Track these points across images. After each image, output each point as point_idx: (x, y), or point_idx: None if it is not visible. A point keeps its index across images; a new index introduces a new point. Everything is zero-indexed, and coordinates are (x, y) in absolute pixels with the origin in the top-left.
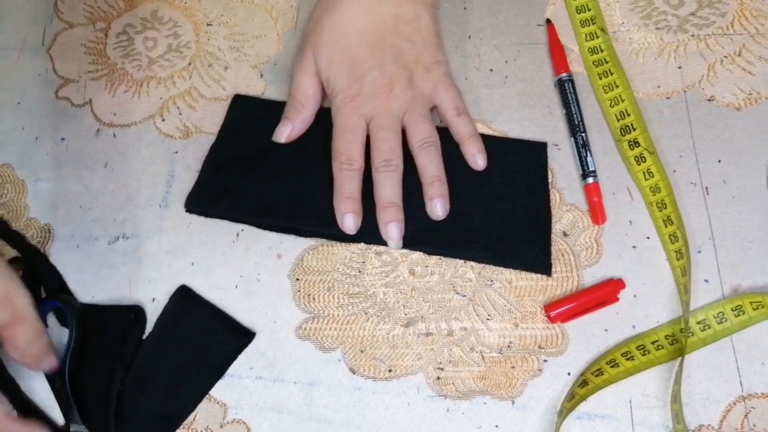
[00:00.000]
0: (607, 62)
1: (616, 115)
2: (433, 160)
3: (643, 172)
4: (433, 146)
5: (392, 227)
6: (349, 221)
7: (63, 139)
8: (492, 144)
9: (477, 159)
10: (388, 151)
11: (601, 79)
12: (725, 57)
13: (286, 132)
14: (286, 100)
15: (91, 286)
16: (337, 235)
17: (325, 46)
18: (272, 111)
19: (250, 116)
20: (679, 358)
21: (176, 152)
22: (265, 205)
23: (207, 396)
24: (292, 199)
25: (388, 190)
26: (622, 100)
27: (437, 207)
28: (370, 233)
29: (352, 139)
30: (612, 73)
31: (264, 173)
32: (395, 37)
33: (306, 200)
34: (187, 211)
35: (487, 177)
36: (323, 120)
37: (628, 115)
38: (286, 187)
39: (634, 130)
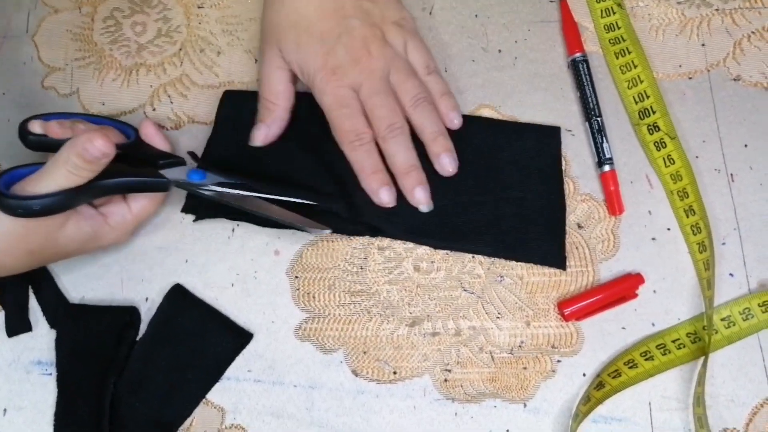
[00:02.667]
0: (624, 40)
1: (634, 97)
2: (429, 115)
3: (664, 159)
4: (426, 101)
5: (419, 192)
6: (385, 196)
7: None
8: (501, 129)
9: (451, 116)
10: (389, 115)
11: (618, 58)
12: (753, 33)
13: (261, 136)
14: None
15: (81, 284)
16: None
17: (288, 34)
18: None
19: (242, 111)
20: (702, 358)
21: None
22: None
23: (204, 400)
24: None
25: (402, 154)
26: (641, 81)
27: (446, 162)
28: (373, 227)
29: (350, 113)
30: (630, 52)
31: (262, 168)
32: (352, 7)
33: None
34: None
35: (496, 164)
36: (313, 106)
37: (647, 97)
38: (287, 179)
39: (654, 113)
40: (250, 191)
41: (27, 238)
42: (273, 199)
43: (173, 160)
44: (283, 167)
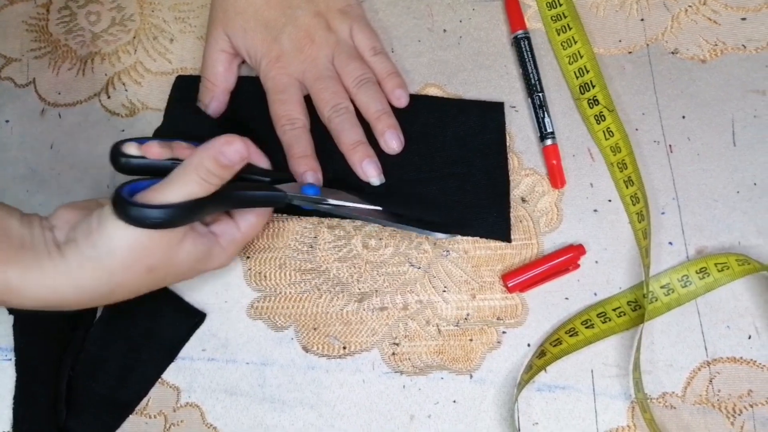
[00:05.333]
0: (565, 17)
1: (575, 72)
2: (373, 95)
3: (603, 132)
4: (369, 81)
5: (367, 165)
6: (310, 179)
7: (7, 121)
8: (446, 106)
9: (397, 94)
10: (333, 97)
11: (559, 35)
12: (689, 6)
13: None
14: None
15: None
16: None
17: (235, 20)
18: None
19: (194, 95)
20: (642, 325)
21: (123, 130)
22: None
23: (159, 380)
24: None
25: (348, 132)
26: (581, 56)
27: (390, 140)
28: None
29: (286, 99)
30: (571, 28)
31: None
32: None
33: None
34: None
35: (441, 141)
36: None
37: (587, 71)
38: None
39: (594, 87)
40: (366, 204)
41: (149, 251)
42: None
43: (282, 175)
44: None
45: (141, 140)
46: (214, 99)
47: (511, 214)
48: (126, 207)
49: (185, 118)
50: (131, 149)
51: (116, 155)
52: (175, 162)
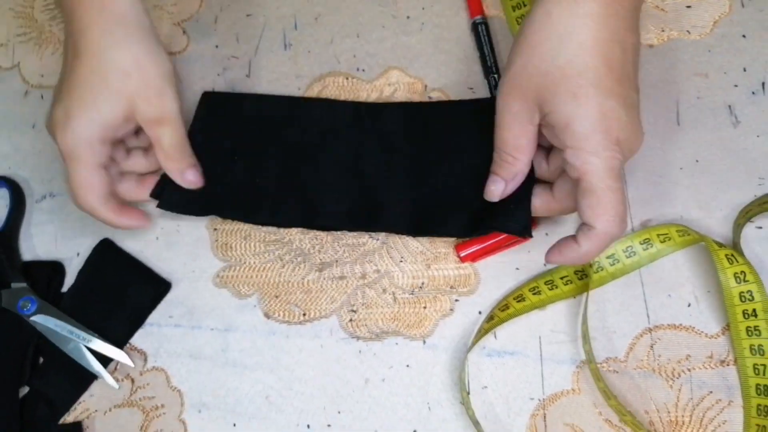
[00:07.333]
0: (525, 6)
1: None
2: None
3: None
4: None
5: None
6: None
7: None
8: (449, 109)
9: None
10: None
11: (514, 11)
12: None
13: (497, 191)
14: (256, 93)
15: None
16: (320, 226)
17: (560, 86)
18: (243, 105)
19: (220, 112)
20: (586, 294)
21: None
22: (246, 204)
23: (128, 344)
24: (273, 196)
25: None
26: None
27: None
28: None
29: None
30: (525, 5)
31: (241, 171)
32: (632, 70)
33: (287, 196)
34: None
35: (457, 144)
36: (301, 113)
37: None
38: (266, 184)
39: None
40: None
41: None
42: None
43: None
44: (263, 170)
45: None
46: (519, 174)
47: None
48: None
49: (215, 133)
50: None
51: None
52: None
